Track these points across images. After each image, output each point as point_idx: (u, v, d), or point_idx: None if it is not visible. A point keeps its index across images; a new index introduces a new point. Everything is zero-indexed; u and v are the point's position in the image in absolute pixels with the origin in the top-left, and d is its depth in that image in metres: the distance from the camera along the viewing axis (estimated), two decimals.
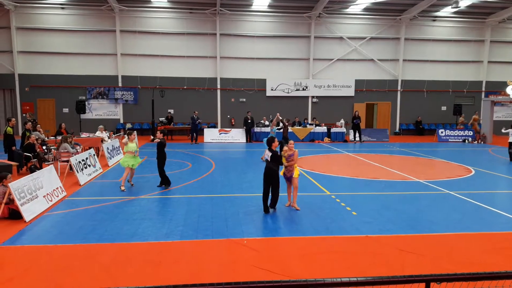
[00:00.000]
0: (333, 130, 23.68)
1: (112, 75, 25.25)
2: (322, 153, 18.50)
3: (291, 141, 8.87)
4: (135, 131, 16.62)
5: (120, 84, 25.33)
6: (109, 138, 16.94)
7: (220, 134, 22.82)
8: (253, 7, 25.14)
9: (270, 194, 8.42)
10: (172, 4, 24.74)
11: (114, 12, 24.37)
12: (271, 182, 8.28)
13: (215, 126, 25.72)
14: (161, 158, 10.27)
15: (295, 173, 8.56)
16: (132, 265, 5.72)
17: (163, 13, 25.12)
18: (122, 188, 10.15)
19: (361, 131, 23.46)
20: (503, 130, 18.45)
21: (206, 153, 18.15)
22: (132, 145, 10.34)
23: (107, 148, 14.42)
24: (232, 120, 26.13)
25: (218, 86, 26.10)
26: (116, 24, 24.66)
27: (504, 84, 23.28)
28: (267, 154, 8.34)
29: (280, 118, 18.23)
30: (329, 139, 23.25)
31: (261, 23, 26.00)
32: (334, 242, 6.74)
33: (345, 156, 17.79)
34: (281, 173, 8.64)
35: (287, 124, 17.08)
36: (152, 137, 10.91)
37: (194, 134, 21.44)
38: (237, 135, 22.89)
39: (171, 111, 24.97)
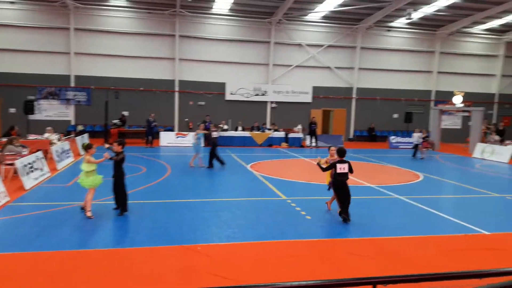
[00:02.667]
0: (290, 135, 23.97)
1: (64, 74, 24.20)
2: (279, 158, 18.67)
3: (333, 147, 8.71)
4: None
5: (72, 84, 24.33)
6: (59, 140, 16.19)
7: (177, 137, 22.44)
8: (214, 10, 25.05)
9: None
10: (130, 3, 24.16)
11: (69, 9, 23.43)
12: (346, 191, 8.16)
13: (172, 130, 25.28)
14: (120, 177, 8.32)
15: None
16: (80, 274, 5.46)
17: (120, 12, 24.47)
18: (89, 214, 8.02)
19: (317, 136, 23.90)
20: (415, 133, 20.46)
21: (161, 157, 17.78)
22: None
23: (57, 151, 13.77)
24: (190, 124, 25.80)
25: (176, 89, 25.73)
26: (70, 21, 23.71)
27: (452, 94, 24.57)
28: (342, 167, 8.03)
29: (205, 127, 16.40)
30: (287, 144, 23.51)
31: (222, 26, 25.95)
32: (288, 247, 6.78)
33: (301, 161, 18.04)
34: (327, 182, 8.83)
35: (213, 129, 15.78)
36: (107, 145, 9.27)
37: (150, 137, 20.94)
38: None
39: (126, 113, 24.27)
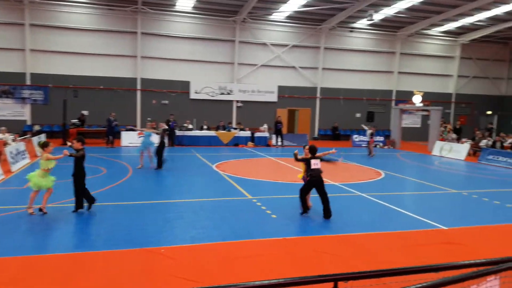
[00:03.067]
0: (256, 134, 24.01)
1: (19, 72, 23.10)
2: (246, 157, 18.65)
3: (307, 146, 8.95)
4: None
5: (28, 82, 23.27)
6: (13, 141, 15.45)
7: (139, 137, 21.85)
8: (177, 7, 24.68)
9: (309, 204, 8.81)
10: None
11: (23, 4, 22.39)
12: (322, 189, 8.42)
13: (134, 129, 24.60)
14: (80, 175, 8.19)
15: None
16: (38, 280, 5.21)
17: (79, 8, 23.64)
18: (31, 210, 8.04)
19: (283, 135, 24.07)
20: (364, 126, 21.89)
21: (123, 157, 17.33)
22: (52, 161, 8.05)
23: (11, 152, 13.11)
24: (153, 123, 25.24)
25: (138, 87, 25.15)
26: (25, 17, 22.65)
27: (412, 94, 25.40)
28: (315, 163, 8.40)
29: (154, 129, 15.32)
30: (253, 144, 23.54)
31: (186, 24, 25.61)
32: (253, 246, 6.76)
33: (267, 160, 18.11)
34: (299, 176, 9.09)
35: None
36: (69, 143, 9.05)
37: (110, 137, 20.34)
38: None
39: (85, 112, 23.47)
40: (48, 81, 23.47)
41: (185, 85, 25.96)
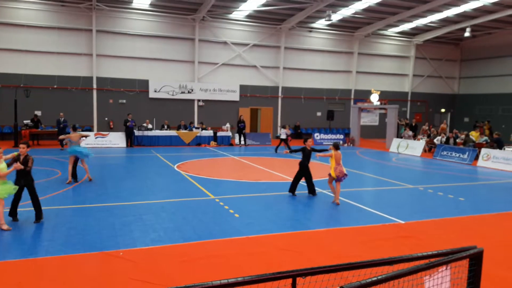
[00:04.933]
0: (219, 134, 23.88)
1: None
2: (208, 157, 18.49)
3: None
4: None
5: None
6: None
7: (96, 138, 21.21)
8: (134, 5, 24.08)
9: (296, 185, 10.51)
10: None
11: None
12: (306, 173, 10.38)
13: (90, 130, 23.81)
14: (30, 182, 7.66)
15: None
16: None
17: (29, 4, 22.53)
18: (5, 226, 7.18)
19: (245, 135, 24.07)
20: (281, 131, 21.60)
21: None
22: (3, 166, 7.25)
23: None
24: (111, 123, 24.57)
25: (94, 86, 24.32)
26: None
27: (369, 93, 26.12)
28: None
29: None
30: (216, 143, 23.39)
31: (143, 21, 25.03)
32: (215, 246, 6.69)
33: (230, 159, 18.04)
34: (333, 175, 9.70)
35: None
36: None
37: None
38: (116, 139, 21.55)
39: (38, 112, 22.44)
40: None
41: (144, 83, 25.39)
